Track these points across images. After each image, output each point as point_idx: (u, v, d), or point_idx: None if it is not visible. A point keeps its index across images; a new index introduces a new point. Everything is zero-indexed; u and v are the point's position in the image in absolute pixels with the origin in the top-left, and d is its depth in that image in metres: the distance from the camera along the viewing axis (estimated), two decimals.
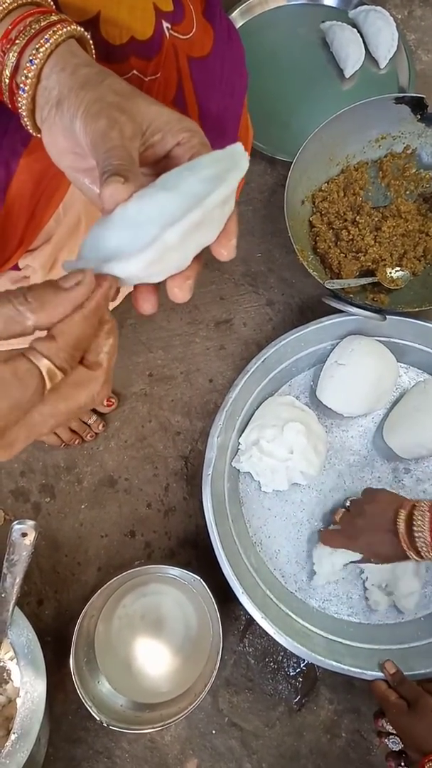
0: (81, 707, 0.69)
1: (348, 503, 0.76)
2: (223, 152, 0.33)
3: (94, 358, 0.30)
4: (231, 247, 0.34)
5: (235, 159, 0.33)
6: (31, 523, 0.54)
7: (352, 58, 0.99)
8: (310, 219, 0.87)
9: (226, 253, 0.34)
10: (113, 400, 0.86)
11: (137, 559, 0.81)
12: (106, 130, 0.32)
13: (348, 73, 1.00)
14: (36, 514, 0.83)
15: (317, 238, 0.86)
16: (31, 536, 0.55)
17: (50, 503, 0.83)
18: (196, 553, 0.82)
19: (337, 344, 0.81)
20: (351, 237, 0.84)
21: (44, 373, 0.28)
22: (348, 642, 0.74)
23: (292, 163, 0.80)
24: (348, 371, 0.77)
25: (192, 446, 0.86)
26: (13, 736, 0.60)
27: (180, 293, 0.33)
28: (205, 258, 0.35)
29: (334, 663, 0.70)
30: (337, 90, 1.02)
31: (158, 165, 0.36)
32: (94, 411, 0.85)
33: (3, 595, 0.61)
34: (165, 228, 0.30)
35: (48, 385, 0.28)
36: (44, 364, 0.28)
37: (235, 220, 0.34)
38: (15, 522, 0.54)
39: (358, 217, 0.85)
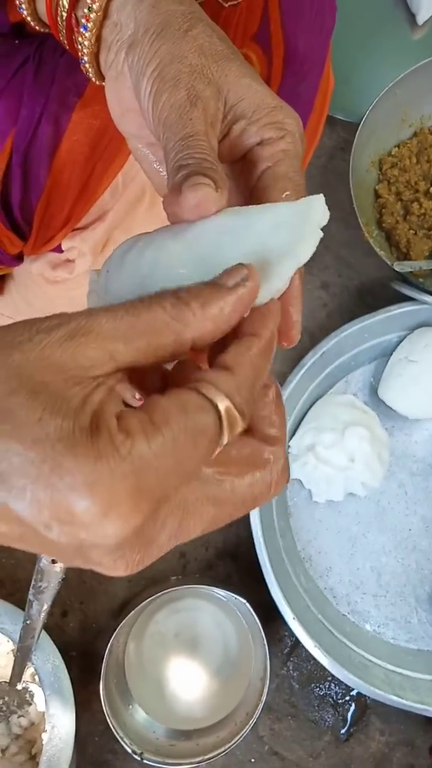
0: (108, 728, 0.63)
1: None
2: (293, 210, 0.23)
3: (268, 429, 0.21)
4: (292, 337, 0.25)
5: (305, 233, 0.23)
6: None
7: (426, 1, 0.86)
8: (376, 188, 0.76)
9: (286, 344, 0.25)
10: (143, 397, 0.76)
11: (171, 570, 0.74)
12: (186, 106, 0.23)
13: (421, 20, 0.87)
14: None
15: (383, 210, 0.75)
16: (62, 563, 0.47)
17: None
18: (236, 567, 0.73)
19: (406, 337, 0.71)
20: (423, 211, 0.74)
21: (223, 415, 0.19)
22: (408, 672, 0.66)
23: (353, 123, 0.69)
24: (420, 369, 0.67)
25: None
26: None
27: None
28: None
29: (395, 698, 0.62)
30: (406, 40, 0.89)
31: (233, 166, 0.26)
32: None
33: (28, 622, 0.53)
34: None
35: (225, 437, 0.19)
36: (223, 403, 0.19)
37: (299, 294, 0.25)
38: None
39: None
